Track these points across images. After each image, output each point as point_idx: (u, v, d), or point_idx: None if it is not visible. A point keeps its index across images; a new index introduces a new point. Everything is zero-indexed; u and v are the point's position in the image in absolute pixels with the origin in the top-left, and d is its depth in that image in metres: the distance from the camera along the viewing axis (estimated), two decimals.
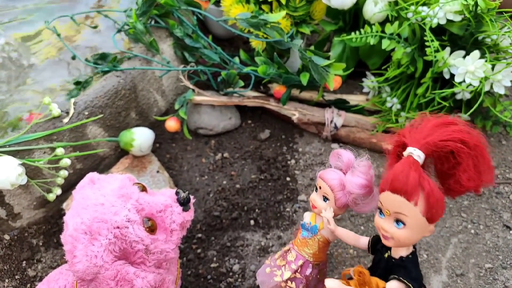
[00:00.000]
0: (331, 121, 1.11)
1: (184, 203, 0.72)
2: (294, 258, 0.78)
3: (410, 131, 0.57)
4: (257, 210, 1.04)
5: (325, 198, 0.75)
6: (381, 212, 0.60)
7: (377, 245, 0.68)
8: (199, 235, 1.00)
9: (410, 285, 0.57)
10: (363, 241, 0.72)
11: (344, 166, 0.75)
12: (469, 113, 0.97)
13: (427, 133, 0.55)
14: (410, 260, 0.61)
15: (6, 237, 0.99)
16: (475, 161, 0.54)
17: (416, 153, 0.55)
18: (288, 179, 1.10)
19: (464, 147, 0.54)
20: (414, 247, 0.63)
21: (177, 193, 0.73)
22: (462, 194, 0.58)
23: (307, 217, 0.80)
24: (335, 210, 0.75)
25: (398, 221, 0.57)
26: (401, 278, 0.58)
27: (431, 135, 0.55)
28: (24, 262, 0.98)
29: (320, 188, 0.76)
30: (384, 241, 0.61)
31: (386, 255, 0.64)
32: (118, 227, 0.63)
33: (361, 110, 1.16)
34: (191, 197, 0.75)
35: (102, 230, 0.62)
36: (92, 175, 0.74)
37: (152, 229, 0.67)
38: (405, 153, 0.56)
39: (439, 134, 0.55)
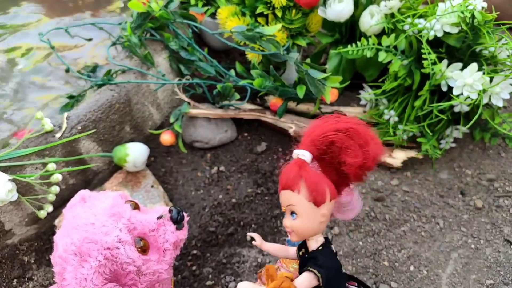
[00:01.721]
0: None
1: (177, 222, 0.70)
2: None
3: (302, 137, 0.63)
4: (253, 225, 1.03)
5: None
6: (284, 213, 0.65)
7: (300, 250, 0.70)
8: (194, 251, 0.98)
9: (315, 271, 0.61)
10: (292, 251, 0.74)
11: None
12: (468, 126, 0.96)
13: (309, 133, 0.62)
14: (320, 251, 0.64)
15: None
16: (353, 140, 0.59)
17: (300, 153, 0.61)
18: None
19: (338, 133, 0.59)
20: (326, 240, 0.66)
21: (170, 211, 0.71)
22: (357, 173, 0.61)
23: None
24: None
25: (292, 213, 0.62)
26: (308, 268, 0.62)
27: (311, 134, 0.61)
28: (15, 280, 0.95)
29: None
30: (290, 238, 0.65)
31: (300, 253, 0.68)
32: (108, 248, 0.61)
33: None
34: (185, 214, 0.73)
35: (92, 251, 0.60)
36: (83, 193, 0.72)
37: (144, 249, 0.65)
38: (293, 156, 0.62)
39: (318, 131, 0.61)
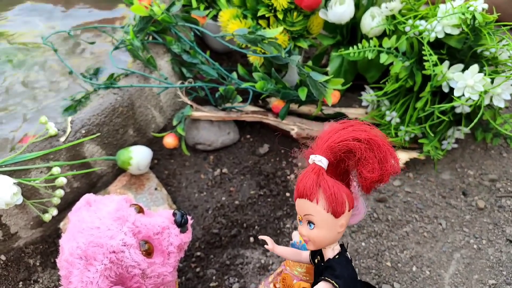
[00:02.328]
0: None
1: (181, 225, 0.71)
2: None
3: (316, 142, 0.62)
4: (256, 226, 1.03)
5: None
6: (300, 221, 0.64)
7: (314, 256, 0.69)
8: (198, 253, 0.99)
9: (333, 282, 0.60)
10: (305, 255, 0.73)
11: None
12: (469, 127, 0.96)
13: (326, 139, 0.60)
14: (336, 260, 0.63)
15: (3, 257, 0.98)
16: (373, 153, 0.58)
17: (317, 159, 0.59)
18: (287, 194, 1.09)
19: (358, 142, 0.58)
20: (342, 248, 0.65)
21: (174, 214, 0.71)
22: (371, 186, 0.61)
23: (296, 236, 0.79)
24: None
25: (309, 222, 0.61)
26: (325, 277, 0.61)
27: (329, 139, 0.60)
28: (21, 283, 0.96)
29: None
30: (307, 246, 0.64)
31: (316, 261, 0.67)
32: (114, 252, 0.62)
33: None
34: (189, 217, 0.73)
35: (97, 255, 0.61)
36: (88, 197, 0.73)
37: (149, 252, 0.66)
38: (309, 161, 0.61)
39: (336, 137, 0.59)
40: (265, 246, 0.74)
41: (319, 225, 0.60)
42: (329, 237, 0.61)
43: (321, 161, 0.59)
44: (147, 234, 0.68)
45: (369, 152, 0.58)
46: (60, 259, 0.65)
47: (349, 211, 0.61)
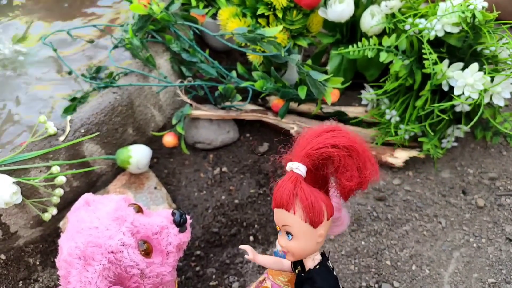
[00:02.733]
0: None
1: (180, 224, 0.71)
2: None
3: (294, 148, 0.60)
4: (256, 225, 1.03)
5: None
6: (279, 231, 0.62)
7: (296, 265, 0.68)
8: (198, 252, 0.99)
9: None
10: (286, 263, 0.71)
11: None
12: (469, 125, 0.96)
13: (304, 145, 0.58)
14: (317, 271, 0.62)
15: (3, 256, 0.98)
16: (351, 160, 0.57)
17: (294, 166, 0.57)
18: None
19: (336, 149, 0.56)
20: (323, 255, 0.64)
21: (173, 214, 0.71)
22: (349, 194, 0.60)
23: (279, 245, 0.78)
24: None
25: (288, 233, 0.59)
26: None
27: (306, 146, 0.57)
28: (21, 282, 0.96)
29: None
30: (287, 257, 0.63)
31: (297, 271, 0.66)
32: (112, 252, 0.62)
33: (359, 122, 1.16)
34: (188, 217, 0.73)
35: (96, 255, 0.61)
36: (87, 197, 0.73)
37: (147, 252, 0.66)
38: (287, 169, 0.59)
39: (314, 143, 0.57)
40: (245, 256, 0.72)
41: (297, 236, 0.58)
42: (308, 248, 0.60)
43: (299, 168, 0.57)
44: (145, 234, 0.68)
45: (348, 159, 0.56)
46: (59, 259, 0.65)
47: (327, 220, 0.59)
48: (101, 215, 0.66)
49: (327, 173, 0.60)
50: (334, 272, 0.64)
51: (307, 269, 0.63)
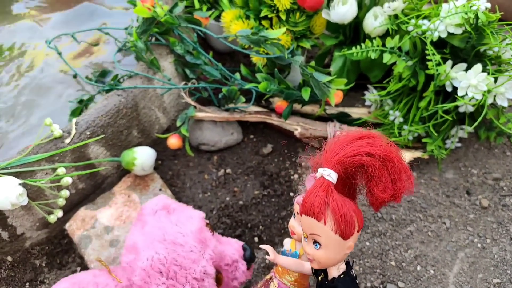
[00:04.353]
0: (334, 135, 1.11)
1: (250, 261, 0.68)
2: (276, 287, 0.75)
3: (325, 152, 0.57)
4: (261, 227, 1.04)
5: None
6: (305, 237, 0.60)
7: (317, 270, 0.66)
8: None
9: None
10: (307, 266, 0.70)
11: None
12: (473, 126, 0.96)
13: (336, 151, 0.55)
14: (341, 280, 0.60)
15: (9, 258, 0.99)
16: (386, 170, 0.54)
17: (326, 173, 0.55)
18: (291, 194, 1.09)
19: (371, 158, 0.54)
20: (348, 266, 0.62)
21: (244, 249, 0.68)
22: (381, 205, 0.58)
23: (287, 244, 0.78)
24: None
25: (315, 242, 0.57)
26: None
27: (339, 153, 0.55)
28: (28, 283, 0.97)
29: (298, 213, 0.73)
30: (311, 264, 0.61)
31: (319, 278, 0.64)
32: (195, 279, 0.60)
33: (363, 123, 1.16)
34: (256, 256, 0.71)
35: (180, 277, 0.59)
36: (165, 202, 0.69)
37: (219, 283, 0.64)
38: (317, 174, 0.56)
39: (347, 150, 0.55)
40: (266, 256, 0.71)
41: (325, 246, 0.56)
42: (335, 258, 0.58)
43: (330, 175, 0.55)
44: (219, 263, 0.65)
45: (383, 170, 0.54)
46: (134, 263, 0.61)
47: (358, 231, 0.57)
48: (186, 232, 0.62)
49: (358, 182, 0.58)
50: (357, 280, 0.63)
51: (330, 277, 0.61)
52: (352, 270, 0.63)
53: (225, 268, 0.65)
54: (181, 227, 0.63)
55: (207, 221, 0.70)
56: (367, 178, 0.55)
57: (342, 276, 0.60)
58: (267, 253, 0.71)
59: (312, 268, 0.68)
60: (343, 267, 0.61)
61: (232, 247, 0.68)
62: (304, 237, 0.59)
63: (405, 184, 0.55)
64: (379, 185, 0.54)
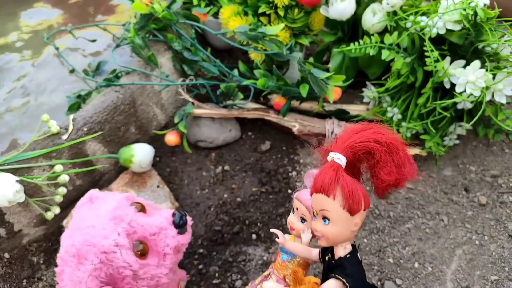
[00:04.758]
0: (332, 132, 1.11)
1: (179, 226, 0.69)
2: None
3: (336, 140, 0.63)
4: (258, 223, 1.03)
5: (303, 220, 0.74)
6: (314, 216, 0.64)
7: (324, 254, 0.69)
8: (201, 250, 0.99)
9: (343, 280, 0.60)
10: (315, 252, 0.73)
11: None
12: (471, 123, 0.96)
13: (346, 138, 0.61)
14: (347, 259, 0.63)
15: (6, 255, 0.98)
16: (391, 156, 0.59)
17: (336, 157, 0.60)
18: (289, 191, 1.09)
19: (378, 145, 0.59)
20: (353, 247, 0.65)
21: (173, 215, 0.71)
22: (386, 189, 0.62)
23: None
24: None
25: (324, 218, 0.61)
26: (336, 275, 0.61)
27: (349, 139, 0.60)
28: (25, 280, 0.97)
29: (297, 209, 0.75)
30: (319, 242, 0.64)
31: (327, 258, 0.67)
32: (105, 252, 0.62)
33: (361, 120, 1.15)
34: (189, 218, 0.73)
35: (89, 254, 0.61)
36: (91, 193, 0.73)
37: (143, 253, 0.65)
38: (328, 158, 0.61)
39: (356, 137, 0.60)
40: (276, 239, 0.74)
41: (334, 221, 0.60)
42: (343, 234, 0.61)
43: (340, 159, 0.60)
44: (143, 234, 0.67)
45: (388, 156, 0.59)
46: (58, 256, 0.66)
47: (364, 210, 0.61)
48: (100, 214, 0.65)
49: (362, 168, 0.63)
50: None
51: (337, 257, 0.64)
52: (358, 254, 0.65)
53: (152, 238, 0.67)
54: (97, 211, 0.66)
55: (139, 201, 0.72)
56: (374, 163, 0.60)
57: (348, 256, 0.63)
58: (277, 237, 0.74)
59: (319, 253, 0.71)
60: (349, 247, 0.64)
61: (161, 217, 0.70)
62: (314, 215, 0.63)
63: (409, 170, 0.60)
64: (385, 169, 0.59)
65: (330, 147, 0.62)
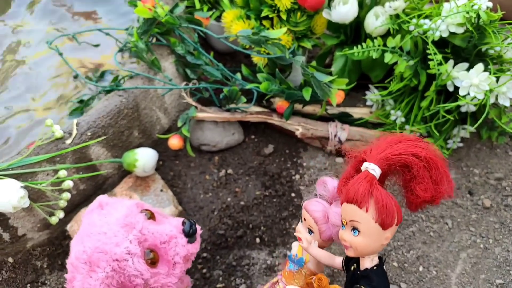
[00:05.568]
0: (335, 135, 1.11)
1: (189, 235, 0.69)
2: None
3: (370, 149, 0.61)
4: (262, 227, 1.03)
5: (310, 231, 0.73)
6: (343, 225, 0.63)
7: (349, 263, 0.68)
8: (204, 254, 0.99)
9: None
10: (338, 260, 0.72)
11: (330, 196, 0.72)
12: (475, 126, 0.96)
13: (383, 149, 0.59)
14: (374, 271, 0.62)
15: (10, 259, 0.99)
16: (429, 172, 0.58)
17: (371, 167, 0.58)
18: (293, 195, 1.09)
19: (416, 159, 0.57)
20: (380, 259, 0.64)
21: (183, 223, 0.70)
22: (421, 205, 0.61)
23: (295, 249, 0.78)
24: (320, 243, 0.72)
25: (354, 229, 0.60)
26: (362, 286, 0.60)
27: (385, 150, 0.59)
28: (29, 285, 0.97)
29: (305, 219, 0.73)
30: (346, 252, 0.63)
31: (352, 268, 0.66)
32: (117, 260, 0.61)
33: (365, 123, 1.16)
34: (198, 227, 0.72)
35: (101, 262, 0.61)
36: (101, 199, 0.72)
37: (153, 262, 0.65)
38: (362, 168, 0.60)
39: (393, 149, 0.59)
40: (300, 243, 0.72)
41: (364, 233, 0.59)
42: (372, 247, 0.60)
43: (375, 170, 0.58)
44: (153, 242, 0.66)
45: (426, 171, 0.57)
46: (68, 262, 0.66)
47: (396, 225, 0.60)
48: (111, 221, 0.65)
49: (395, 180, 0.61)
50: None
51: (363, 268, 0.63)
52: (384, 266, 0.64)
53: (162, 246, 0.67)
54: (107, 217, 0.66)
55: (149, 209, 0.72)
56: (410, 177, 0.58)
57: (375, 268, 0.62)
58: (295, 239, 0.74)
59: (342, 261, 0.70)
60: (376, 259, 0.63)
61: (171, 225, 0.70)
62: (343, 224, 0.62)
63: (446, 188, 0.59)
64: (421, 184, 0.58)
65: (364, 156, 0.61)
